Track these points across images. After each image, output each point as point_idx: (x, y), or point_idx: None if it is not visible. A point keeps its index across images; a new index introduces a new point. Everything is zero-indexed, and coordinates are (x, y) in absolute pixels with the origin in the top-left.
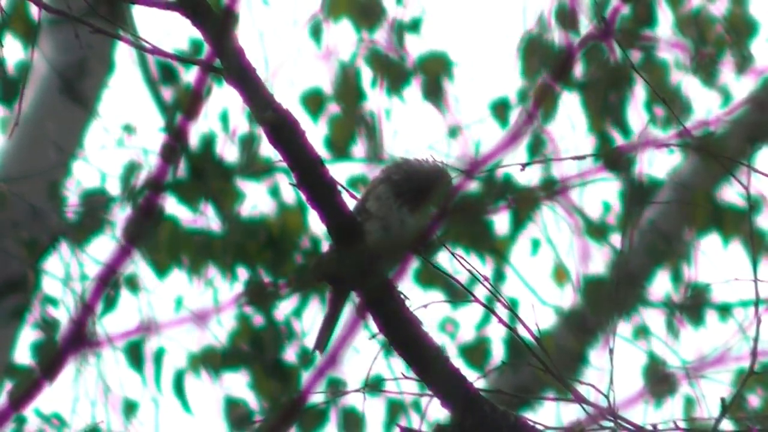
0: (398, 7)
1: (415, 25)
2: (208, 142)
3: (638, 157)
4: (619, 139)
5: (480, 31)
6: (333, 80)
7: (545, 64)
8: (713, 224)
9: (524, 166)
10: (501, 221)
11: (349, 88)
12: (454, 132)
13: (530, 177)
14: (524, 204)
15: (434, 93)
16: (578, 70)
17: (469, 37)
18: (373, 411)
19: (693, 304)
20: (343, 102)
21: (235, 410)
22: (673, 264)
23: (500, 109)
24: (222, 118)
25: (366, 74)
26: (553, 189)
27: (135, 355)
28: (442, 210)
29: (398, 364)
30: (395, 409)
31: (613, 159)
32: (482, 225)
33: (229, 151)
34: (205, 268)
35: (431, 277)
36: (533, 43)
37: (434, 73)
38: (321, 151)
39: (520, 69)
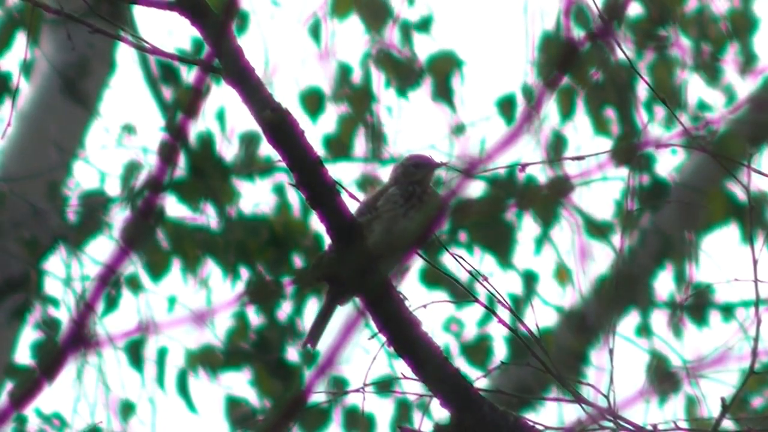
0: (409, 8)
1: (424, 25)
2: (208, 141)
3: (652, 155)
4: (628, 138)
5: (483, 30)
6: (332, 80)
7: (554, 60)
8: (733, 220)
9: (524, 166)
10: (515, 222)
11: (358, 89)
12: (459, 130)
13: (539, 177)
14: (543, 204)
15: (444, 93)
16: (583, 69)
17: (472, 36)
18: (375, 411)
19: (696, 304)
20: (351, 103)
21: (236, 409)
22: (677, 263)
23: (506, 107)
24: (218, 116)
25: (367, 74)
26: (564, 188)
27: (135, 354)
28: (443, 209)
29: (399, 364)
30: (404, 409)
31: (626, 156)
32: (502, 227)
33: (227, 150)
34: (201, 266)
35: (436, 277)
36: (548, 42)
37: (443, 73)
38: (320, 150)
39: (536, 68)
